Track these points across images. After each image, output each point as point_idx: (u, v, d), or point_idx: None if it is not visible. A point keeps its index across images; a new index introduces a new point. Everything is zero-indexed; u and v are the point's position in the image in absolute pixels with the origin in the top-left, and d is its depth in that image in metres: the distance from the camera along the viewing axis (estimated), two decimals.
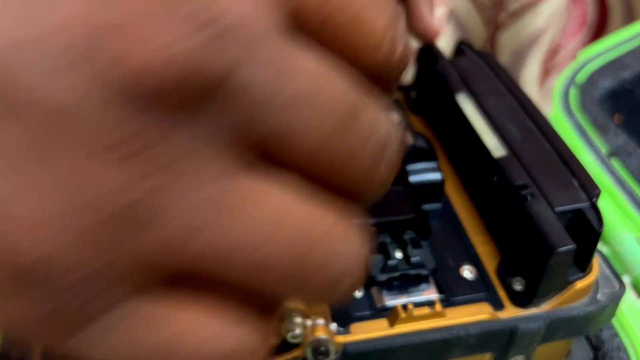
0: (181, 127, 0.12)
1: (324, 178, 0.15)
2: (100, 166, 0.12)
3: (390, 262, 0.29)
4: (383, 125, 0.15)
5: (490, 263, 0.30)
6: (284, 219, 0.14)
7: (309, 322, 0.26)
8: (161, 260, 0.13)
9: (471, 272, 0.30)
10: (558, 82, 0.50)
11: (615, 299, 0.29)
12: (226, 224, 0.13)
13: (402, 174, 0.34)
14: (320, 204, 0.15)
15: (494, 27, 0.75)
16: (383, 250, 0.29)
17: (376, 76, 0.16)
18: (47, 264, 0.12)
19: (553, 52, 0.77)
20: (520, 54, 0.75)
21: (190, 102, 0.12)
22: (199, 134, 0.13)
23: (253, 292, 0.14)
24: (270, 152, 0.14)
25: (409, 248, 0.29)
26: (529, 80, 0.77)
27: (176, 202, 0.13)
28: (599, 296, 0.29)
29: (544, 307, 0.28)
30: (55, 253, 0.12)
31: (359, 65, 0.15)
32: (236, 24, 0.12)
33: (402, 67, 0.17)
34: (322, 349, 0.26)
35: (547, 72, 0.78)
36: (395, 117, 0.15)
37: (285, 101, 0.13)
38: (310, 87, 0.14)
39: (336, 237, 0.15)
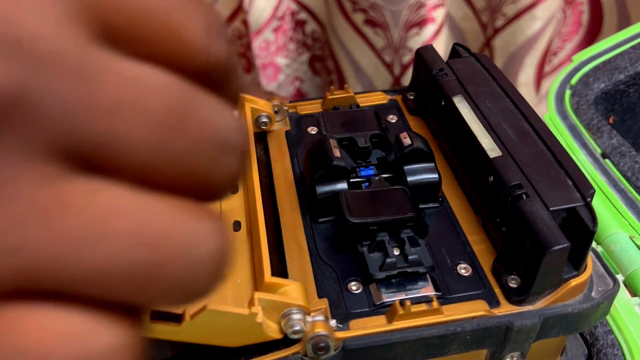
0: None
1: (162, 179, 0.15)
2: None
3: (389, 260, 0.29)
4: (221, 122, 0.15)
5: (486, 261, 0.31)
6: (120, 217, 0.13)
7: (309, 319, 0.27)
8: (8, 268, 0.13)
9: (467, 270, 0.30)
10: (553, 84, 0.51)
11: (609, 296, 0.30)
12: (58, 227, 0.13)
13: (401, 174, 0.34)
14: (161, 202, 0.14)
15: (491, 30, 0.75)
16: (381, 249, 0.30)
17: (206, 77, 0.16)
18: None
19: (549, 55, 0.78)
20: (517, 57, 0.75)
21: None
22: (10, 145, 0.13)
23: (103, 298, 0.14)
24: (96, 159, 0.14)
25: (407, 246, 0.30)
26: (525, 83, 0.78)
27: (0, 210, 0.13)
28: (593, 294, 0.30)
29: (539, 304, 0.29)
30: None
31: (184, 69, 0.15)
32: (26, 41, 0.12)
33: (230, 67, 0.17)
34: (322, 344, 0.27)
35: (542, 74, 0.79)
36: (235, 114, 0.16)
37: (100, 110, 0.13)
38: (126, 95, 0.14)
39: (182, 231, 0.14)
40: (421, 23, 0.71)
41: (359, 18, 0.73)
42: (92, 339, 0.14)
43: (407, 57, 0.75)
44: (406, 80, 0.77)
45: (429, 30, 0.72)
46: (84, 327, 0.14)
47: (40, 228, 0.13)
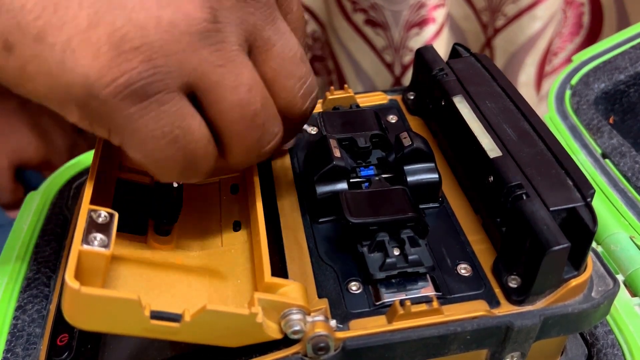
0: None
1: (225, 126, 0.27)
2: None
3: (389, 260, 0.29)
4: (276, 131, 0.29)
5: (486, 261, 0.31)
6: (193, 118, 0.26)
7: (309, 319, 0.27)
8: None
9: (467, 270, 0.30)
10: (554, 84, 0.50)
11: (609, 296, 0.30)
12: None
13: (401, 175, 0.34)
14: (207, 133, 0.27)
15: (491, 30, 0.75)
16: (382, 249, 0.30)
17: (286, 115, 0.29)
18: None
19: (549, 55, 0.78)
20: (517, 57, 0.75)
21: None
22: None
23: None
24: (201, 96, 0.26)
25: (407, 246, 0.30)
26: (526, 83, 0.78)
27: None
28: (594, 294, 0.30)
29: (539, 305, 0.29)
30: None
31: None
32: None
33: (304, 116, 0.30)
34: (322, 344, 0.27)
35: (543, 74, 0.79)
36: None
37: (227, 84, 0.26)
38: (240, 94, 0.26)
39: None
40: (422, 23, 0.71)
41: (359, 18, 0.73)
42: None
43: (408, 57, 0.75)
44: (407, 80, 0.77)
45: (429, 30, 0.72)
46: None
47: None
